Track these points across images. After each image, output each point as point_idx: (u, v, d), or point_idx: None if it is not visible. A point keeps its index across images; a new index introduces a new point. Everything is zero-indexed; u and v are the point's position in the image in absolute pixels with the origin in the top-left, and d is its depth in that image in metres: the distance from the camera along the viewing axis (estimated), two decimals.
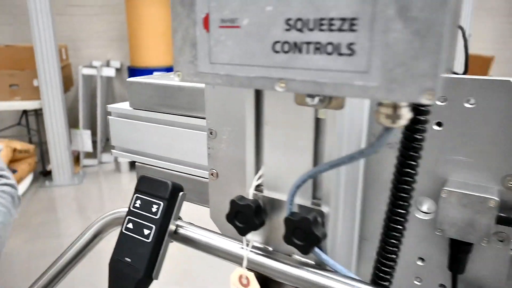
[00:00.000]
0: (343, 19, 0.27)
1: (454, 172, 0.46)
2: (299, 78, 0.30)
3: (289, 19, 0.30)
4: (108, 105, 0.78)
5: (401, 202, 0.39)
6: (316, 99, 0.33)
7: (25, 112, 4.31)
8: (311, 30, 0.29)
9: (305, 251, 0.39)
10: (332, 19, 0.28)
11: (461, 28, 2.64)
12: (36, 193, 3.77)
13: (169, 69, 4.93)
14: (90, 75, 4.42)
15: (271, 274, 0.42)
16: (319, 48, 0.29)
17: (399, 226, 0.40)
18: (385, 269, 0.41)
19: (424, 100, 0.26)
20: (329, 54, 0.28)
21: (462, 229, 0.43)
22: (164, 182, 0.48)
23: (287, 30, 0.30)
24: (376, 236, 0.53)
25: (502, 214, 0.42)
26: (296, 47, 0.30)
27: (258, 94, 0.42)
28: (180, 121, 0.68)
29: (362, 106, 0.45)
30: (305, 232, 0.38)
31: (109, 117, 0.78)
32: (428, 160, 0.47)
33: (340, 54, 0.28)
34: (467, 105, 0.44)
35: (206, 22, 0.33)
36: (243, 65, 0.32)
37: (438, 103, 0.45)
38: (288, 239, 0.39)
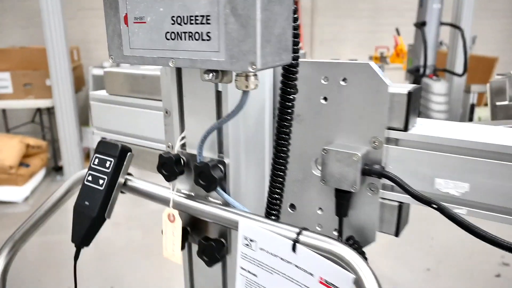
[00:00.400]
0: (202, 16, 0.41)
1: (337, 136, 0.58)
2: (181, 57, 0.44)
3: (173, 17, 0.43)
4: (90, 92, 0.93)
5: (281, 154, 0.52)
6: (211, 75, 0.46)
7: (38, 110, 4.53)
8: (186, 24, 0.42)
9: (207, 189, 0.52)
10: (196, 16, 0.41)
11: (460, 29, 2.78)
12: (48, 187, 3.97)
13: None
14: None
15: (188, 210, 0.56)
16: (191, 36, 0.42)
17: (280, 173, 0.53)
18: (273, 206, 0.54)
19: (250, 69, 0.39)
20: (197, 40, 0.42)
21: (338, 179, 0.56)
22: (115, 144, 0.62)
23: (173, 24, 0.43)
24: (289, 192, 0.66)
25: (366, 167, 0.55)
26: (179, 36, 0.43)
27: (180, 74, 0.56)
28: (144, 103, 0.82)
29: (263, 85, 0.58)
30: (206, 175, 0.52)
31: (91, 102, 0.93)
32: (319, 128, 0.59)
33: (203, 40, 0.41)
34: (342, 83, 0.56)
35: (125, 19, 0.47)
36: (149, 49, 0.46)
37: (323, 82, 0.58)
38: (196, 181, 0.53)
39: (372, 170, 0.55)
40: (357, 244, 0.58)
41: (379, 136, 0.55)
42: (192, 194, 0.59)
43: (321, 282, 0.46)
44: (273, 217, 0.55)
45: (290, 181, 0.65)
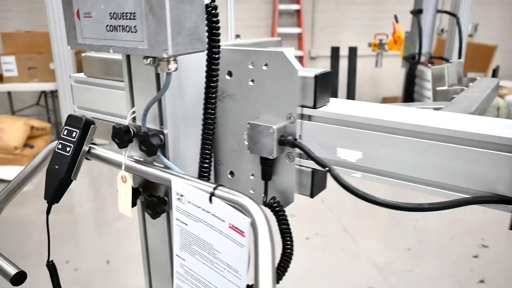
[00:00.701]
0: (130, 13, 0.52)
1: (262, 113, 0.70)
2: (118, 45, 0.55)
3: (111, 13, 0.54)
4: (71, 74, 1.05)
5: (208, 126, 0.64)
6: (148, 60, 0.57)
7: (43, 93, 4.67)
8: (119, 19, 0.54)
9: (148, 154, 0.64)
10: (126, 13, 0.52)
11: (455, 16, 2.86)
12: None
13: None
14: None
15: (136, 172, 0.68)
16: (123, 28, 0.54)
17: (208, 141, 0.65)
18: (204, 168, 0.66)
19: (164, 55, 0.50)
20: (128, 32, 0.53)
21: (259, 148, 0.67)
22: (80, 117, 0.74)
23: (110, 19, 0.55)
24: (228, 161, 0.78)
25: (281, 138, 0.66)
26: (115, 28, 0.55)
27: (129, 59, 0.67)
28: (114, 84, 0.93)
29: (201, 68, 0.70)
30: (147, 142, 0.63)
31: (71, 83, 1.05)
32: (249, 106, 0.71)
33: (132, 32, 0.53)
34: (264, 68, 0.67)
35: (78, 14, 0.58)
36: (95, 38, 0.58)
37: (250, 66, 0.69)
38: (140, 147, 0.65)
39: (286, 141, 0.66)
40: (278, 204, 0.70)
41: (293, 112, 0.66)
42: (141, 159, 0.71)
43: (229, 227, 0.58)
44: (204, 178, 0.67)
45: (229, 151, 0.77)
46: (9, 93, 4.68)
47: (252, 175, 0.75)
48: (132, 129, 0.68)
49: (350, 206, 3.44)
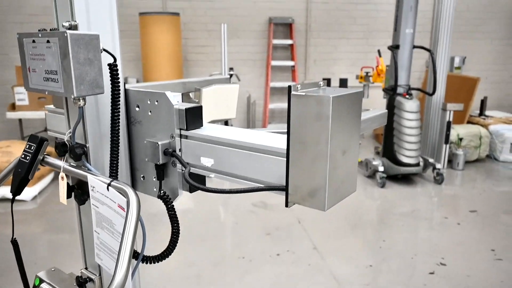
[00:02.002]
0: (54, 70, 0.86)
1: (158, 133, 1.02)
2: (50, 89, 0.88)
3: (45, 70, 0.88)
4: (45, 106, 1.39)
5: (114, 143, 0.96)
6: (72, 99, 0.91)
7: None
8: (50, 74, 0.87)
9: (75, 160, 0.97)
10: (52, 70, 0.86)
11: (429, 51, 3.28)
12: (55, 188, 4.49)
13: None
14: None
15: (69, 173, 1.00)
16: (52, 79, 0.87)
17: (115, 149, 0.97)
18: (112, 171, 0.98)
19: (72, 97, 0.83)
20: (53, 81, 0.87)
21: (151, 158, 0.99)
22: (37, 136, 1.07)
23: (45, 73, 0.88)
24: (141, 168, 1.09)
25: (166, 150, 0.98)
26: (48, 79, 0.88)
27: (66, 98, 1.01)
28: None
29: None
30: (73, 152, 0.96)
31: (45, 112, 1.39)
32: (150, 129, 1.03)
33: (56, 82, 0.86)
34: (156, 103, 1.00)
35: (29, 69, 0.92)
36: (38, 85, 0.91)
37: (148, 102, 1.01)
38: (69, 155, 0.97)
39: (167, 152, 0.98)
40: (167, 196, 1.01)
41: (173, 133, 0.98)
42: (74, 164, 1.03)
43: (118, 206, 0.90)
44: (113, 176, 0.98)
45: (141, 161, 1.09)
46: (20, 120, 5.13)
47: (154, 177, 1.06)
48: (68, 143, 1.01)
49: (324, 227, 3.69)
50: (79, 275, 1.11)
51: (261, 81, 6.70)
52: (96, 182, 0.93)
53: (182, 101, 1.00)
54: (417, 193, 4.63)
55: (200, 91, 1.74)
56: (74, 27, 0.90)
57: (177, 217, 1.01)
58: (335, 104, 0.73)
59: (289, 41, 6.54)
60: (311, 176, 0.77)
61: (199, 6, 6.29)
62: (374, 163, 4.82)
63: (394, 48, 4.71)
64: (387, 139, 4.88)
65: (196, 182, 0.96)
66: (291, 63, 6.59)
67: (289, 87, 0.77)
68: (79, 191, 1.01)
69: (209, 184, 1.02)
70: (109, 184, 0.91)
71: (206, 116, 1.89)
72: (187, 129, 0.98)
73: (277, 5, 6.47)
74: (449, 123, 5.23)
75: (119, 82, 0.94)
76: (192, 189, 1.02)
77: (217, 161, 0.94)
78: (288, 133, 0.78)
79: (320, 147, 0.74)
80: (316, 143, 0.75)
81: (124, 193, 0.88)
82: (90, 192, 0.96)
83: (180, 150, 1.00)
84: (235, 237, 3.58)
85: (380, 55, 5.33)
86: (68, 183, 1.04)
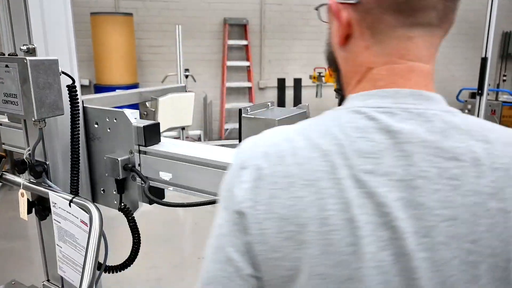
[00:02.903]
0: (14, 94, 0.89)
1: (117, 149, 1.07)
2: (9, 111, 0.91)
3: (4, 93, 0.91)
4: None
5: (74, 159, 1.00)
6: (34, 121, 0.94)
7: None
8: (8, 96, 0.90)
9: (35, 177, 1.00)
10: (11, 93, 0.89)
11: None
12: (4, 194, 4.32)
13: (129, 87, 5.54)
14: None
15: (29, 190, 1.03)
16: (11, 102, 0.90)
17: (75, 166, 1.01)
18: (73, 187, 1.02)
19: (33, 119, 0.87)
20: (12, 104, 0.90)
21: (111, 173, 1.04)
22: None
23: (4, 96, 0.91)
24: (101, 182, 1.14)
25: (125, 165, 1.04)
26: (7, 101, 0.91)
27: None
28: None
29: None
30: (33, 169, 0.99)
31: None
32: (109, 145, 1.08)
33: (15, 104, 0.89)
34: (114, 121, 1.05)
35: None
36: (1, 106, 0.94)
37: (107, 119, 1.06)
38: (29, 173, 1.00)
39: (127, 167, 1.04)
40: (128, 209, 1.06)
41: (132, 149, 1.04)
42: (35, 181, 1.06)
43: (81, 221, 0.94)
44: (73, 192, 1.03)
45: (101, 175, 1.13)
46: None
47: (115, 190, 1.11)
48: (28, 161, 1.04)
49: None
50: (41, 287, 1.14)
51: (217, 81, 6.75)
52: (58, 199, 0.97)
53: (140, 113, 1.06)
54: None
55: (157, 100, 1.79)
56: (32, 51, 0.93)
57: (137, 228, 1.07)
58: (281, 125, 0.82)
59: (244, 42, 6.63)
60: None
61: (153, 6, 6.23)
62: None
63: None
64: None
65: (156, 195, 1.02)
66: (246, 63, 6.69)
67: (240, 110, 0.85)
68: (40, 206, 1.04)
69: (169, 193, 1.09)
70: (71, 201, 0.95)
71: (163, 124, 1.95)
72: (145, 145, 1.03)
73: (231, 6, 6.54)
74: None
75: (78, 103, 0.98)
76: (151, 201, 1.08)
77: (175, 175, 1.01)
78: None
79: None
80: None
81: (86, 209, 0.93)
82: (52, 208, 1.00)
83: (139, 165, 1.06)
84: (195, 238, 3.63)
85: None
86: (28, 199, 1.06)
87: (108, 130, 1.07)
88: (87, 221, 0.92)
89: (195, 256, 3.25)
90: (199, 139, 5.94)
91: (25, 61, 0.85)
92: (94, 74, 5.82)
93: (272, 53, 6.97)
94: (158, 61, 6.34)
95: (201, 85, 6.39)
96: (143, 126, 1.02)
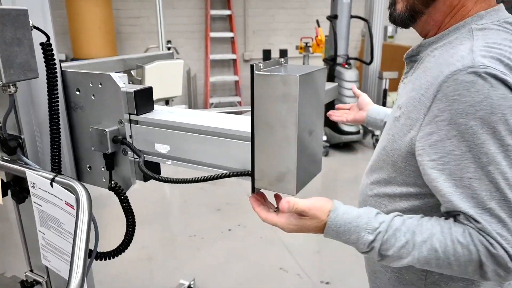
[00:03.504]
0: None
1: (103, 119, 0.92)
2: None
3: None
4: None
5: (54, 132, 0.85)
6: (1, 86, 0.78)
7: None
8: None
9: (9, 154, 0.85)
10: None
11: (366, 21, 3.25)
12: None
13: None
14: None
15: (3, 168, 0.88)
16: None
17: (56, 139, 0.86)
18: (53, 164, 0.88)
19: (0, 83, 0.72)
20: None
21: (99, 146, 0.90)
22: None
23: None
24: (86, 157, 0.99)
25: (114, 137, 0.89)
26: None
27: None
28: None
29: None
30: (6, 145, 0.84)
31: None
32: (94, 114, 0.93)
33: None
34: (99, 86, 0.90)
35: None
36: None
37: (91, 85, 0.91)
38: (1, 149, 0.85)
39: (117, 139, 0.89)
40: (119, 187, 0.93)
41: (122, 118, 0.90)
42: (8, 159, 0.91)
43: (65, 203, 0.81)
44: (55, 169, 0.88)
45: (85, 150, 0.99)
46: None
47: (103, 167, 0.97)
48: (1, 136, 0.89)
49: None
50: (24, 278, 1.01)
51: (200, 53, 6.51)
52: (37, 178, 0.83)
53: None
54: (358, 159, 4.82)
55: (143, 68, 1.63)
56: None
57: (131, 209, 0.94)
58: (302, 83, 0.69)
59: (227, 12, 6.37)
60: (279, 160, 0.73)
61: None
62: None
63: (333, 18, 4.75)
64: (328, 108, 4.98)
65: (150, 170, 0.89)
66: (230, 34, 6.45)
67: (252, 66, 0.71)
68: (17, 188, 0.90)
69: (163, 168, 0.96)
70: (52, 180, 0.81)
71: None
72: (137, 114, 0.89)
73: None
74: (385, 91, 5.44)
75: (55, 63, 0.83)
76: (146, 178, 0.95)
77: (173, 147, 0.87)
78: (252, 115, 0.74)
79: (288, 129, 0.71)
80: (283, 126, 0.71)
81: (71, 189, 0.79)
82: (30, 189, 0.86)
83: (130, 136, 0.92)
84: (185, 215, 3.52)
85: (318, 26, 5.37)
86: (2, 180, 0.92)
87: (92, 98, 0.92)
88: (73, 203, 0.79)
89: (186, 234, 3.15)
90: None
91: None
92: (70, 48, 5.52)
93: (257, 23, 6.73)
94: (138, 33, 6.06)
95: (184, 57, 6.14)
96: (134, 91, 0.88)
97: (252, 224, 3.29)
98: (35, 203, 0.87)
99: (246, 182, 0.80)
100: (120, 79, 0.89)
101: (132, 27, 6.03)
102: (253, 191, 0.79)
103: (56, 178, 0.81)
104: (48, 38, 0.81)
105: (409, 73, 0.96)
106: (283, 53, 6.62)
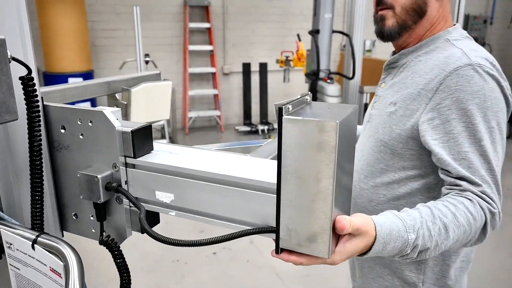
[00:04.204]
0: None
1: (94, 162, 0.79)
2: None
3: None
4: None
5: (36, 174, 0.72)
6: None
7: None
8: None
9: None
10: None
11: (347, 36, 3.14)
12: None
13: (83, 74, 5.07)
14: None
15: None
16: None
17: (38, 190, 0.72)
18: (35, 220, 0.74)
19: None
20: None
21: (89, 195, 0.77)
22: None
23: None
24: (71, 204, 0.86)
25: (108, 184, 0.76)
26: None
27: None
28: None
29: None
30: None
31: None
32: (82, 156, 0.80)
33: None
34: (90, 124, 0.77)
35: None
36: None
37: (79, 122, 0.78)
38: None
39: (111, 187, 0.76)
40: (112, 241, 0.79)
41: (117, 162, 0.77)
42: None
43: (50, 270, 0.67)
44: (36, 226, 0.74)
45: (71, 196, 0.85)
46: None
47: (92, 216, 0.84)
48: None
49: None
50: None
51: (178, 67, 6.37)
52: (15, 238, 0.69)
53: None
54: None
55: (129, 91, 1.49)
56: None
57: (127, 266, 0.80)
58: (341, 130, 0.58)
59: (206, 25, 6.27)
60: (311, 218, 0.62)
61: None
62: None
63: (315, 33, 4.72)
64: None
65: (148, 219, 0.76)
66: (209, 47, 6.34)
67: (279, 109, 0.60)
68: None
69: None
70: (34, 241, 0.67)
71: (137, 120, 1.65)
72: (134, 157, 0.76)
73: None
74: (366, 105, 5.43)
75: (37, 100, 0.70)
76: (144, 230, 0.82)
77: (178, 196, 0.75)
78: (279, 165, 0.62)
79: (323, 182, 0.60)
80: (317, 179, 0.60)
81: (58, 254, 0.65)
82: (6, 250, 0.71)
83: (126, 182, 0.78)
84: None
85: (299, 40, 5.33)
86: None
87: (81, 137, 0.79)
88: (60, 271, 0.65)
89: (169, 259, 2.98)
90: (162, 129, 5.58)
91: None
92: (42, 61, 5.28)
93: (236, 36, 6.66)
94: (114, 45, 5.87)
95: (162, 71, 5.97)
96: (131, 131, 0.75)
97: (237, 247, 3.15)
98: (12, 265, 0.72)
99: None
100: (114, 116, 0.76)
101: (108, 39, 5.84)
102: (277, 252, 0.68)
103: (39, 238, 0.67)
104: (30, 71, 0.68)
105: (387, 78, 1.19)
106: (263, 66, 6.57)
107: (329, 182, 0.59)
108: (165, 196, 0.76)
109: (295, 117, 0.59)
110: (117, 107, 1.53)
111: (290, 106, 0.62)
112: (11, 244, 0.70)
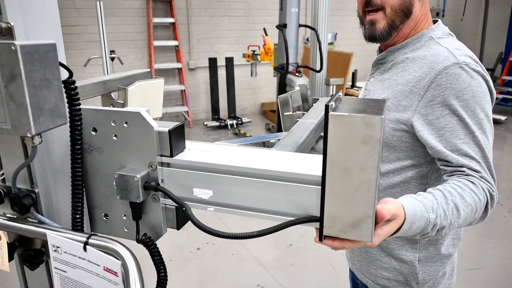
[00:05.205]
0: None
1: (128, 162, 0.80)
2: None
3: None
4: None
5: (76, 181, 0.72)
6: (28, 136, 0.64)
7: None
8: None
9: (21, 213, 0.70)
10: None
11: (314, 30, 3.22)
12: None
13: None
14: None
15: (9, 229, 0.73)
16: None
17: (78, 190, 0.73)
18: (76, 221, 0.74)
19: (28, 135, 0.58)
20: None
21: (127, 195, 0.78)
22: None
23: None
24: (101, 205, 0.86)
25: (146, 184, 0.78)
26: None
27: None
28: None
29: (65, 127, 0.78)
30: (18, 203, 0.70)
31: None
32: (115, 157, 0.81)
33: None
34: (125, 125, 0.78)
35: None
36: None
37: (112, 124, 0.79)
38: (12, 208, 0.71)
39: (149, 186, 0.78)
40: (149, 239, 0.81)
41: (154, 161, 0.78)
42: (15, 216, 0.76)
43: (104, 269, 0.68)
44: (78, 229, 0.75)
45: (101, 197, 0.85)
46: None
47: (125, 215, 0.85)
48: (2, 190, 0.73)
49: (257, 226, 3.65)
50: None
51: (143, 63, 6.25)
52: (63, 241, 0.70)
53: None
54: None
55: (125, 90, 1.48)
56: (6, 32, 0.63)
57: (163, 262, 0.83)
58: (383, 124, 0.63)
59: (171, 20, 6.18)
60: (355, 206, 0.67)
61: None
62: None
63: (282, 27, 4.78)
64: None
65: (181, 215, 0.79)
66: (174, 42, 6.26)
67: (326, 106, 0.65)
68: (31, 252, 0.75)
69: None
70: (86, 243, 0.68)
71: None
72: (171, 156, 0.78)
73: None
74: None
75: (79, 104, 0.70)
76: (179, 226, 0.84)
77: (217, 192, 0.78)
78: (324, 158, 0.67)
79: (367, 173, 0.65)
80: (362, 170, 0.65)
81: (113, 253, 0.67)
82: (52, 253, 0.72)
83: (162, 181, 0.80)
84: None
85: (266, 33, 5.39)
86: (6, 241, 0.76)
87: (114, 138, 0.80)
88: (116, 270, 0.67)
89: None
90: None
91: (13, 47, 0.56)
92: None
93: (201, 31, 6.61)
94: (75, 42, 5.67)
95: (127, 67, 5.87)
96: (169, 131, 0.77)
97: (220, 240, 3.18)
98: (57, 268, 0.73)
99: None
100: (150, 117, 0.78)
101: (68, 36, 5.63)
102: (321, 239, 0.73)
103: (90, 240, 0.68)
104: (71, 74, 0.68)
105: (376, 73, 1.26)
106: (229, 61, 6.57)
107: (374, 173, 0.65)
108: (203, 193, 0.78)
109: (341, 113, 0.64)
110: (113, 106, 1.53)
111: (333, 103, 0.67)
112: (58, 247, 0.71)
